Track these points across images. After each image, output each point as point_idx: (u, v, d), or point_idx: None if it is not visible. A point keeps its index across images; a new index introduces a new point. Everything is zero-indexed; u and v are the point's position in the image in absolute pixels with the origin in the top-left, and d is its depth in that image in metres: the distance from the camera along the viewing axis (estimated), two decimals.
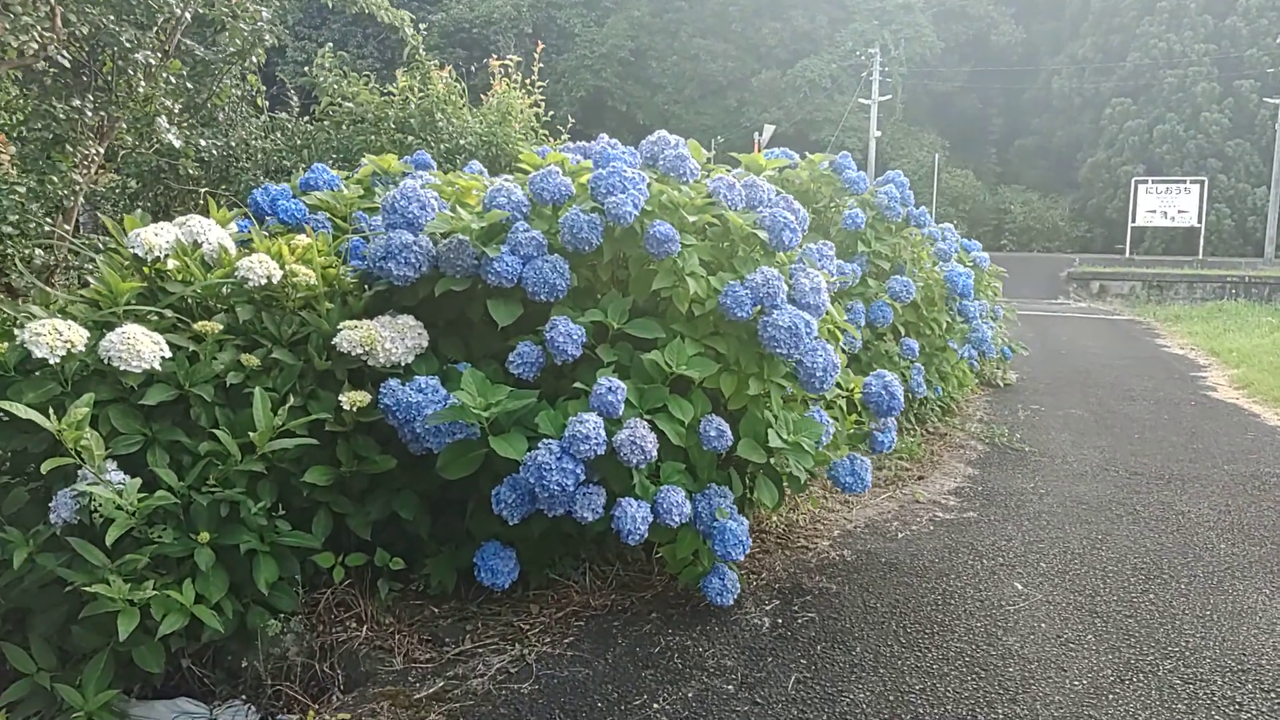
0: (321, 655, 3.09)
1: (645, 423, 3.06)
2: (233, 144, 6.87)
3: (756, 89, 38.64)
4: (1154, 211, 26.28)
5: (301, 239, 3.66)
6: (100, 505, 2.79)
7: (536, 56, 7.38)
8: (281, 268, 3.38)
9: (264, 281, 3.30)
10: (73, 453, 2.78)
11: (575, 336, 3.21)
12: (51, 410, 2.76)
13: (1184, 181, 26.42)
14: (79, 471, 2.90)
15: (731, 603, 3.32)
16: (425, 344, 3.41)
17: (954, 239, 7.42)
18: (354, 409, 3.18)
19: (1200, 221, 26.18)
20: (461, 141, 6.56)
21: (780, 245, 3.54)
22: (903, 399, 3.72)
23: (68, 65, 3.65)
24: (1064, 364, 9.85)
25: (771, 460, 3.45)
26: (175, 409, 3.12)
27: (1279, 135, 28.66)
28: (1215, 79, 34.02)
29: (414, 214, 3.34)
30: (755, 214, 3.57)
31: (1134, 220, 26.57)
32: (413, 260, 3.33)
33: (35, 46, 3.34)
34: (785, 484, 3.62)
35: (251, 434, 2.95)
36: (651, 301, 3.56)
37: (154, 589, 2.78)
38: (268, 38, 4.47)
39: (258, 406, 3.01)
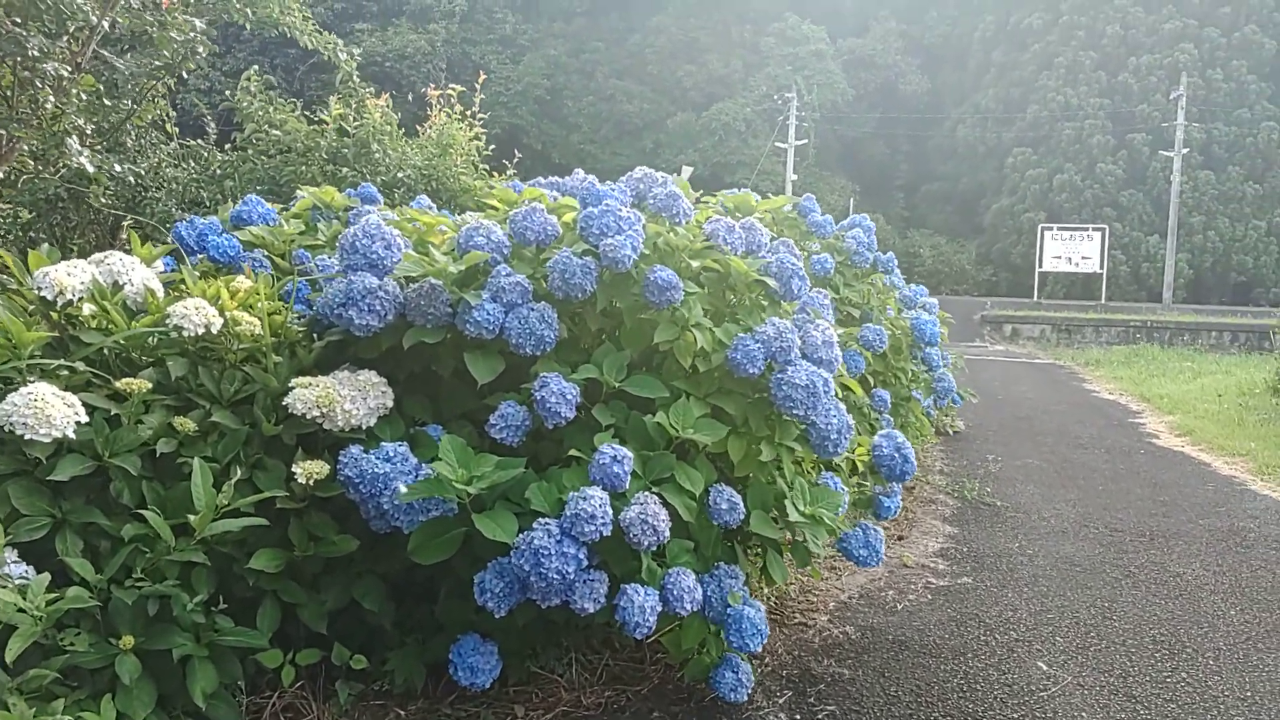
0: None
1: (655, 498, 2.66)
2: (142, 171, 6.27)
3: (672, 130, 38.86)
4: (1059, 257, 27.10)
5: (242, 281, 3.18)
6: None
7: (478, 88, 6.98)
8: (221, 314, 2.90)
9: (201, 331, 2.81)
10: None
11: (569, 396, 2.81)
12: None
13: (1087, 229, 27.35)
14: None
15: (746, 698, 2.93)
16: (390, 404, 2.95)
17: (902, 284, 7.24)
18: (310, 482, 2.71)
19: (1102, 267, 27.08)
20: (400, 174, 6.10)
21: (789, 294, 3.21)
22: (915, 462, 3.40)
23: None
24: (1004, 410, 9.79)
25: (783, 534, 3.09)
26: (90, 483, 2.60)
27: (1174, 188, 29.94)
28: (1109, 132, 35.59)
29: (378, 254, 2.90)
30: (760, 260, 3.23)
31: (1041, 265, 27.36)
32: (377, 308, 2.88)
33: None
34: (790, 557, 3.26)
35: (191, 516, 2.46)
36: (644, 355, 3.19)
37: (65, 711, 2.25)
38: (201, 50, 3.98)
39: (197, 481, 2.51)
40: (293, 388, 2.81)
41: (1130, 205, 34.86)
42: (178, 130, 7.25)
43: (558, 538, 2.53)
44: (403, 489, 2.67)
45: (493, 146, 7.10)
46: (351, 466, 2.71)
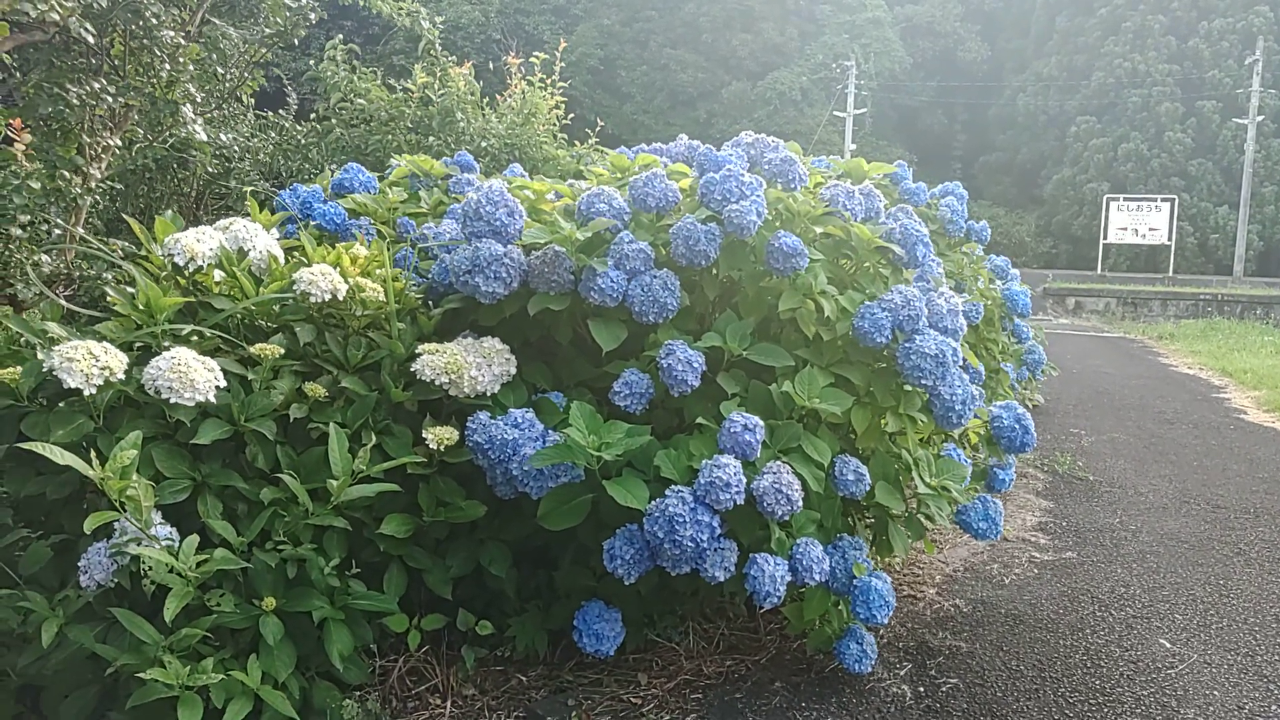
0: None
1: (788, 467, 2.63)
2: (233, 144, 6.35)
3: (727, 100, 38.45)
4: (1125, 229, 26.43)
5: (359, 249, 3.19)
6: (150, 568, 2.31)
7: (558, 55, 6.94)
8: (345, 281, 2.91)
9: (327, 297, 2.82)
10: (116, 504, 2.28)
11: (695, 364, 2.78)
12: (93, 453, 2.27)
13: (1155, 199, 26.61)
14: (115, 523, 2.42)
15: (870, 670, 2.90)
16: (513, 371, 2.95)
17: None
18: (440, 447, 2.72)
19: (1170, 239, 26.38)
20: (483, 143, 6.09)
21: (913, 261, 3.14)
22: (1035, 434, 3.33)
23: (91, 42, 3.14)
24: (1082, 384, 9.59)
25: (908, 507, 3.05)
26: (224, 448, 2.64)
27: (1247, 156, 29.02)
28: (1178, 99, 34.48)
29: (501, 221, 2.88)
30: (883, 225, 3.16)
31: (1106, 237, 26.71)
32: (503, 275, 2.87)
33: (56, 17, 2.84)
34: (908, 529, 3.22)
35: (332, 481, 2.47)
36: (761, 324, 3.14)
37: (213, 668, 2.29)
38: (312, 16, 3.99)
39: (334, 447, 2.53)
40: (420, 354, 2.82)
41: (1199, 175, 33.83)
42: (254, 101, 7.31)
43: (691, 505, 2.51)
44: (532, 454, 2.66)
45: (571, 115, 7.06)
46: (481, 432, 2.72)
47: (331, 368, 2.84)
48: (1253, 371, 10.34)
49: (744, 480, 2.53)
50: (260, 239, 3.07)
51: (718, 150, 3.54)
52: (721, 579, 2.61)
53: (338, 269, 2.99)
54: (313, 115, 6.59)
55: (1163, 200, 26.42)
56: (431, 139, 6.04)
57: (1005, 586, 3.80)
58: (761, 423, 2.64)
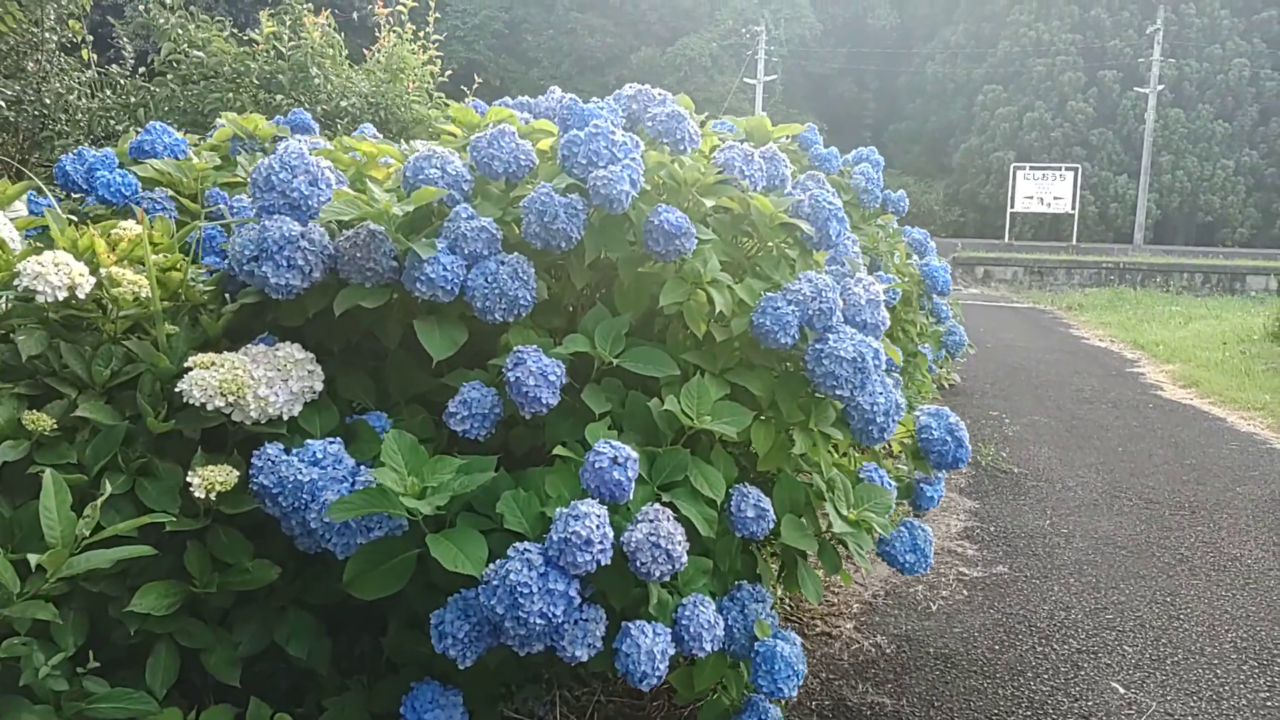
0: None
1: (668, 513, 2.04)
2: (47, 100, 5.46)
3: (636, 66, 37.65)
4: (1031, 197, 26.60)
5: (129, 226, 2.48)
6: None
7: (433, 5, 6.19)
8: (94, 272, 2.20)
9: (63, 295, 2.12)
10: None
11: (551, 377, 2.16)
12: None
13: (1059, 168, 26.83)
14: None
15: None
16: (319, 386, 2.29)
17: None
18: (210, 494, 2.05)
19: (1074, 208, 26.66)
20: (343, 103, 5.34)
21: (826, 241, 2.57)
22: (969, 445, 2.81)
23: None
24: (997, 360, 9.27)
25: (821, 539, 2.50)
26: None
27: (1148, 125, 29.49)
28: (1081, 69, 35.03)
29: (300, 192, 2.22)
30: (789, 197, 2.58)
31: (1013, 205, 26.85)
32: (299, 262, 2.20)
33: None
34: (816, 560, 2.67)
35: (33, 557, 1.79)
36: (643, 320, 2.55)
37: None
38: None
39: (49, 503, 1.84)
40: (190, 368, 2.14)
41: (1100, 144, 34.44)
42: (94, 57, 6.40)
43: (541, 569, 1.90)
44: (334, 500, 2.02)
45: (449, 71, 6.32)
46: (268, 473, 2.06)
47: (69, 390, 2.15)
48: (1164, 344, 10.18)
49: (610, 534, 1.93)
50: None
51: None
52: (584, 658, 2.01)
53: (93, 255, 2.29)
54: (141, 71, 5.74)
55: (1066, 169, 26.66)
56: (281, 98, 5.26)
57: (932, 615, 3.30)
58: (635, 455, 2.04)
